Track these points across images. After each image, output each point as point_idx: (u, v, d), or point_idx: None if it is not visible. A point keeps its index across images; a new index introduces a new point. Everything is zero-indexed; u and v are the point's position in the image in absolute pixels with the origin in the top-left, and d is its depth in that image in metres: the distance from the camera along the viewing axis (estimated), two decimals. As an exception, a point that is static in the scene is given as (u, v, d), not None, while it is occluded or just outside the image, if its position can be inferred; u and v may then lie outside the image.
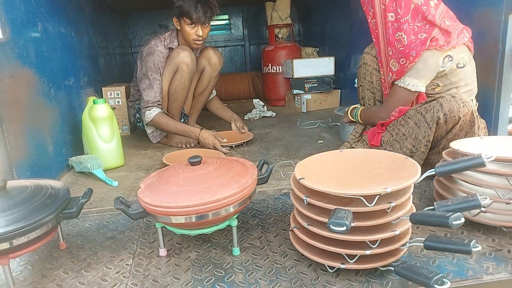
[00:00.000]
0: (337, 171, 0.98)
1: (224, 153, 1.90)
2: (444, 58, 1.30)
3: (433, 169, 0.85)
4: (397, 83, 1.38)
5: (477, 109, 1.52)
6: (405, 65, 1.32)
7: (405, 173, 0.89)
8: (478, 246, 0.75)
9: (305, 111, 2.97)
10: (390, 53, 1.39)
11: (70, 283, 0.91)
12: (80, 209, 0.95)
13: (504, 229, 1.00)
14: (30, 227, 0.84)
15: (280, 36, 3.37)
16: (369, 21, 1.46)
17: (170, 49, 2.05)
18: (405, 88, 1.35)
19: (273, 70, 3.26)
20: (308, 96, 2.97)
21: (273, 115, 2.89)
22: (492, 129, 1.52)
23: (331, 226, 0.72)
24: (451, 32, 1.27)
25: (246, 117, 2.86)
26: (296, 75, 2.95)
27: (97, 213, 1.30)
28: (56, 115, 1.75)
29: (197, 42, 2.04)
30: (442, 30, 1.27)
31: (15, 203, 0.87)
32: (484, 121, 1.47)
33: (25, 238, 0.84)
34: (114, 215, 1.26)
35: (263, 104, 2.93)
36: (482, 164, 0.79)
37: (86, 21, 2.41)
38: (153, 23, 4.01)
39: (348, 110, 1.70)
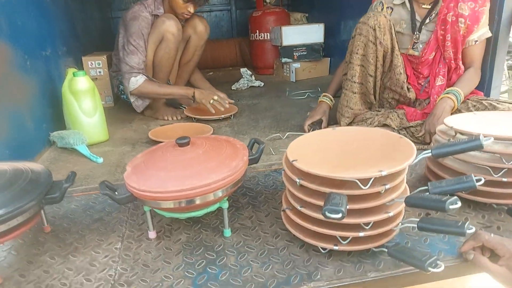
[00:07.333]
0: (330, 151, 0.95)
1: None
2: None
3: (429, 151, 0.83)
4: (473, 38, 1.42)
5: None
6: (475, 9, 1.38)
7: (400, 154, 0.86)
8: (472, 228, 0.74)
9: (294, 80, 2.90)
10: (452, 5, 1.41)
11: (58, 269, 0.89)
12: (63, 194, 0.91)
13: (495, 205, 1.01)
14: (10, 214, 0.80)
15: (268, 1, 3.23)
16: None
17: (155, 16, 1.94)
18: (485, 39, 1.43)
19: (261, 37, 3.15)
20: (297, 65, 2.89)
21: (261, 85, 2.82)
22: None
23: (327, 213, 0.70)
24: None
25: (233, 87, 2.79)
26: (285, 43, 2.86)
27: (83, 192, 1.27)
28: (34, 89, 1.66)
29: (185, 15, 1.99)
30: None
31: (-7, 190, 0.83)
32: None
33: (5, 226, 0.81)
34: (100, 195, 1.22)
35: (250, 73, 2.85)
36: (480, 147, 0.78)
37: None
38: (134, -15, 3.79)
39: (451, 101, 1.42)
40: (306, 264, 0.86)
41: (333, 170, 0.83)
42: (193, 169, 0.88)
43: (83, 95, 1.68)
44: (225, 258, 0.89)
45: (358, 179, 0.79)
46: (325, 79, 2.95)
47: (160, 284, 0.82)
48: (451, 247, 0.89)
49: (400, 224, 0.87)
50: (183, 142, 0.94)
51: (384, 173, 0.78)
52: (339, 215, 0.69)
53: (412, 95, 1.57)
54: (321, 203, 0.81)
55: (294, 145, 0.97)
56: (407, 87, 1.56)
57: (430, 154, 0.82)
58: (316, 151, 0.95)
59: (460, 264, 0.85)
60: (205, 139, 1.02)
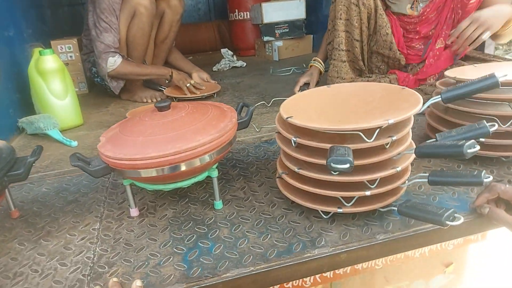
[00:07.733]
0: (327, 108, 0.87)
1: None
2: None
3: (438, 96, 0.75)
4: None
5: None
6: None
7: (405, 104, 0.78)
8: (489, 177, 0.67)
9: (277, 59, 2.81)
10: None
11: (28, 255, 0.78)
12: (28, 170, 0.80)
13: (503, 159, 0.95)
14: (-35, 194, 0.69)
15: (245, -22, 3.11)
16: None
17: (125, -11, 1.81)
18: None
19: (241, 16, 3.03)
20: (279, 43, 2.79)
21: (244, 65, 2.72)
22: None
23: (332, 164, 0.61)
24: None
25: (214, 68, 2.67)
26: (265, 20, 2.76)
27: (55, 176, 1.15)
28: (-4, 71, 1.52)
29: None
30: None
31: None
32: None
33: (-39, 208, 0.70)
34: (75, 176, 1.11)
35: (232, 53, 2.74)
36: (497, 84, 0.70)
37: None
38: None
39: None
40: (308, 231, 0.78)
41: (333, 124, 0.74)
42: (176, 132, 0.77)
43: (52, 75, 1.54)
44: (217, 231, 0.80)
45: (361, 131, 0.71)
46: (309, 56, 2.84)
47: (146, 263, 0.73)
48: (462, 203, 0.82)
49: (406, 181, 0.79)
50: (163, 105, 0.84)
51: (391, 121, 0.69)
52: (347, 165, 0.60)
53: (402, 58, 1.50)
54: (322, 161, 0.72)
55: (288, 103, 0.87)
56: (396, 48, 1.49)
57: (440, 99, 0.75)
58: (313, 108, 0.86)
59: (474, 220, 0.78)
60: (188, 103, 0.91)
